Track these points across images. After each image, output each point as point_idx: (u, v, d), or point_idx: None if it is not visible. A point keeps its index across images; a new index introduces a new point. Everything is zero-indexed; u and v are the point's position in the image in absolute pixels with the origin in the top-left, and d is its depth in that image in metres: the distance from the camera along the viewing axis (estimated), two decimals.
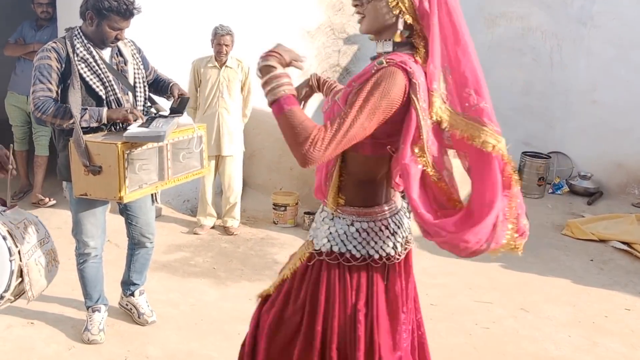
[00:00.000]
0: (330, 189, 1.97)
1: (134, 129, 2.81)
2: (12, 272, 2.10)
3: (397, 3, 1.79)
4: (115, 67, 3.04)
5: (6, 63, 5.51)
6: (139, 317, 3.47)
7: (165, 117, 3.02)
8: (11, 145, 2.35)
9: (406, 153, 1.77)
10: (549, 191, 7.21)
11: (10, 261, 2.09)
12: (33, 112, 2.87)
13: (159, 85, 3.30)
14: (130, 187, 2.82)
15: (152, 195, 3.30)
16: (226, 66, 4.91)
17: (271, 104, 1.76)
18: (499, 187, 1.78)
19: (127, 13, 2.87)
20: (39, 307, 3.57)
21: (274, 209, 5.42)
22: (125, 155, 2.74)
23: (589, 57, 7.19)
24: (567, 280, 4.68)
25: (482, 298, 4.23)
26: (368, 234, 1.95)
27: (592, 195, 6.99)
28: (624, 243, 5.50)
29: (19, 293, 2.21)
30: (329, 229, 1.97)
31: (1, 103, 5.37)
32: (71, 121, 2.81)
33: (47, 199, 5.22)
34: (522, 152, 7.26)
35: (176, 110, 3.13)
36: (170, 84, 3.26)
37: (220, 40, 4.79)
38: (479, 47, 7.43)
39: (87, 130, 2.87)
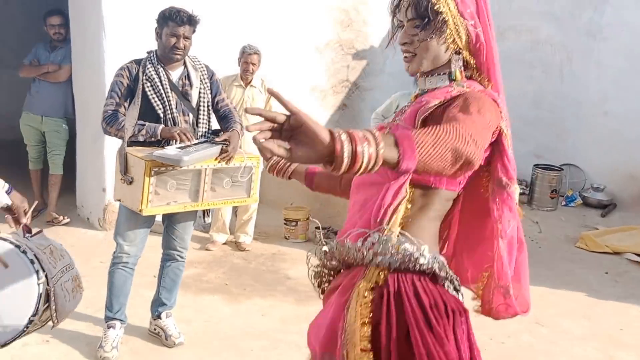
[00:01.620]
0: (393, 222, 1.58)
1: (168, 149, 2.95)
2: (40, 296, 2.10)
3: (454, 39, 1.63)
4: (180, 88, 3.20)
5: (22, 84, 5.59)
6: (166, 339, 3.46)
7: (214, 143, 3.09)
8: (35, 202, 2.44)
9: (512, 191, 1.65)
10: (562, 204, 7.17)
11: (38, 284, 2.10)
12: (101, 124, 3.14)
13: (224, 125, 3.32)
14: (154, 202, 2.97)
15: (204, 211, 3.44)
16: (251, 85, 4.96)
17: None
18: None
19: (178, 19, 3.08)
20: None
21: (285, 224, 5.43)
22: (153, 172, 2.87)
23: (599, 68, 7.17)
24: (582, 294, 4.64)
25: None
26: None
27: (606, 207, 6.94)
28: (638, 255, 5.45)
29: (46, 319, 2.22)
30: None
31: (17, 123, 5.45)
32: (129, 133, 3.03)
33: (61, 217, 5.27)
34: (534, 165, 7.23)
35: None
36: (231, 129, 3.21)
37: (248, 58, 4.85)
38: None
39: (147, 144, 3.08)
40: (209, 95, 3.28)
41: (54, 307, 2.14)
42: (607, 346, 3.81)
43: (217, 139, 3.13)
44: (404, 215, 1.61)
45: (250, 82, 4.95)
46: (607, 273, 5.14)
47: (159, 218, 3.38)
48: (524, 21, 7.67)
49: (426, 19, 1.63)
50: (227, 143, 3.11)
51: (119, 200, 3.13)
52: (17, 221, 2.30)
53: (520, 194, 6.79)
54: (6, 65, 7.22)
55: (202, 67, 3.31)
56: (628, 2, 6.91)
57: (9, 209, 2.29)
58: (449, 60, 1.67)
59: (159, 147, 3.07)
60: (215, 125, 3.40)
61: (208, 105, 3.27)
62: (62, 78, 5.25)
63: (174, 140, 3.08)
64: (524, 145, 7.79)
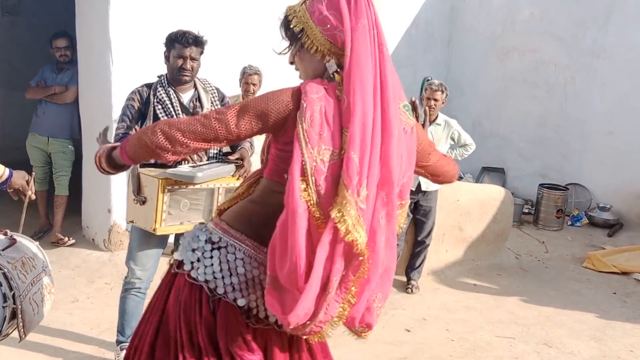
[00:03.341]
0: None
1: (182, 167, 2.98)
2: (4, 318, 2.11)
3: (317, 48, 1.76)
4: (191, 110, 3.22)
5: (29, 106, 5.62)
6: None
7: (226, 162, 3.12)
8: (33, 173, 2.48)
9: (294, 186, 1.62)
10: (568, 223, 7.13)
11: (4, 307, 2.10)
12: None
13: (232, 146, 3.31)
14: (167, 222, 2.96)
15: None
16: None
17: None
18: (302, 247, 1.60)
19: (184, 40, 3.12)
20: (59, 344, 3.57)
21: None
22: (166, 191, 2.87)
23: (603, 88, 7.18)
24: (591, 314, 4.59)
25: (504, 333, 4.16)
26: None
27: (612, 227, 6.90)
28: None
29: (11, 332, 2.22)
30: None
31: (23, 144, 5.47)
32: None
33: (66, 239, 5.26)
34: (539, 185, 7.21)
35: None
36: (239, 147, 3.23)
37: (248, 79, 4.88)
38: (491, 80, 7.51)
39: (158, 165, 3.04)
40: None
41: (21, 324, 2.15)
42: None
43: (229, 157, 3.14)
44: None
45: None
46: (615, 293, 5.09)
47: (171, 239, 3.37)
48: (528, 42, 7.71)
49: (291, 37, 1.83)
50: (239, 161, 3.12)
51: (132, 221, 3.09)
52: (24, 194, 2.39)
53: (526, 213, 6.79)
54: (14, 87, 7.28)
55: (213, 90, 3.34)
56: (632, 21, 6.93)
57: (13, 189, 2.38)
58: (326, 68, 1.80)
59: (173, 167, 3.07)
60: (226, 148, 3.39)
61: None
62: (69, 99, 5.28)
63: (185, 161, 3.08)
64: (529, 165, 7.80)
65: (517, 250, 6.00)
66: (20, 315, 2.13)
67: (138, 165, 2.99)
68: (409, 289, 4.79)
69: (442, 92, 4.70)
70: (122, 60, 4.85)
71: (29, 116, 5.48)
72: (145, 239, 3.18)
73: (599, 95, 7.23)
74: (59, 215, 5.32)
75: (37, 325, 2.31)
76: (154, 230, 2.95)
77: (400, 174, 1.72)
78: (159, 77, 3.25)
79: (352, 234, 1.57)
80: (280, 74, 5.77)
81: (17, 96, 6.30)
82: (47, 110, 5.29)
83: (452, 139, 4.85)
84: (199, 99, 3.25)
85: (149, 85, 3.22)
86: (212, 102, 3.28)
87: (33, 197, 2.42)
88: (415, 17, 7.75)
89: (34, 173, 2.46)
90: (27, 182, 2.39)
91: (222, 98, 3.36)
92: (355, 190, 1.57)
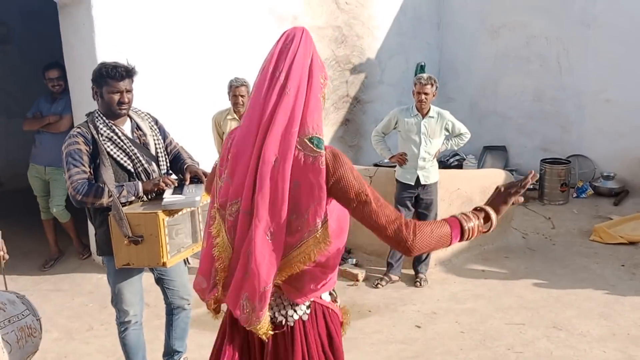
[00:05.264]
0: None
1: (169, 197, 2.99)
2: None
3: None
4: (137, 140, 3.19)
5: (29, 132, 5.64)
6: None
7: (193, 182, 3.16)
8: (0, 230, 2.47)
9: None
10: (573, 195, 7.14)
11: None
12: (73, 196, 2.98)
13: (177, 166, 3.34)
14: (170, 252, 2.97)
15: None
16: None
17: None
18: None
19: (117, 74, 3.01)
20: None
21: None
22: (165, 223, 2.89)
23: (596, 57, 7.15)
24: (599, 291, 4.62)
25: (513, 320, 4.21)
26: None
27: (618, 195, 6.90)
28: None
29: None
30: None
31: (26, 171, 5.54)
32: (110, 198, 2.95)
33: (86, 253, 5.57)
34: (541, 160, 7.20)
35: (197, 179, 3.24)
36: (185, 165, 3.27)
37: (236, 91, 4.89)
38: (484, 59, 7.49)
39: (124, 203, 3.01)
40: (162, 141, 3.29)
41: None
42: (627, 345, 3.80)
43: (187, 176, 3.17)
44: None
45: (243, 113, 4.98)
46: (623, 265, 5.11)
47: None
48: (517, 17, 7.68)
49: None
50: (202, 178, 3.16)
51: (127, 265, 3.02)
52: None
53: (530, 189, 6.78)
54: (12, 114, 7.36)
55: (147, 115, 3.30)
56: None
57: None
58: None
59: (142, 202, 3.08)
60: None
61: (163, 150, 3.29)
62: (64, 128, 5.32)
63: (153, 192, 3.08)
64: (530, 141, 7.79)
65: (524, 229, 6.03)
66: None
67: (120, 207, 2.93)
68: (418, 283, 4.84)
69: (432, 85, 4.71)
70: None
71: (30, 143, 5.54)
72: (129, 277, 3.18)
73: (592, 64, 7.19)
74: (72, 236, 5.54)
75: None
76: (164, 264, 2.94)
77: (282, 198, 1.80)
78: (89, 115, 3.15)
79: (216, 236, 1.96)
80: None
81: (17, 123, 6.36)
82: (43, 140, 5.35)
83: (447, 130, 4.87)
84: (138, 127, 3.21)
85: (85, 126, 3.10)
86: (150, 128, 3.25)
87: (6, 256, 2.45)
88: (403, 3, 7.71)
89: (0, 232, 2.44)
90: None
91: (156, 121, 3.33)
92: (223, 206, 1.92)
